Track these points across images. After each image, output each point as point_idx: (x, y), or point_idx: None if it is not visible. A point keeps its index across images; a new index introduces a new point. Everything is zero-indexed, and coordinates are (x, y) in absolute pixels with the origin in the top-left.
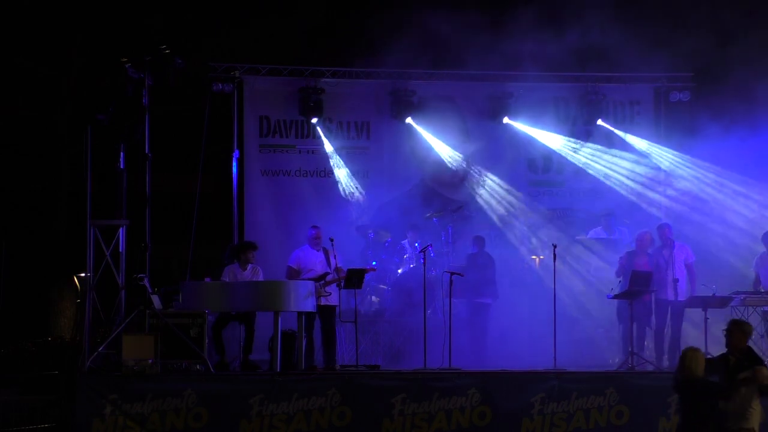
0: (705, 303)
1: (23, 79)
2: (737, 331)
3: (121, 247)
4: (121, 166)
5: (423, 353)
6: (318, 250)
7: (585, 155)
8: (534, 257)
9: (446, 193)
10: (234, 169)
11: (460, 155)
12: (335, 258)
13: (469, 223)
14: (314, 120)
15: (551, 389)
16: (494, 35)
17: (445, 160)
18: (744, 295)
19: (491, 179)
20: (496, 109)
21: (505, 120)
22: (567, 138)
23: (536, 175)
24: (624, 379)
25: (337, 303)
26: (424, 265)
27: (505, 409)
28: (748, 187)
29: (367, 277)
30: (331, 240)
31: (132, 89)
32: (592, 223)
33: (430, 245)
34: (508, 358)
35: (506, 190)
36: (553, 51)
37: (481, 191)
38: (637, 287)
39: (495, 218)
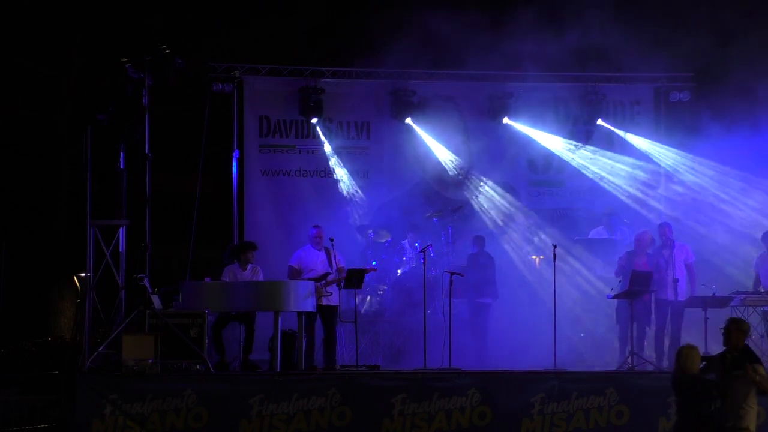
0: (705, 303)
1: (23, 79)
2: (735, 329)
3: (121, 247)
4: (121, 166)
5: (423, 353)
6: (320, 250)
7: (585, 155)
8: (534, 257)
9: (446, 193)
10: (234, 169)
11: (461, 155)
12: (336, 258)
13: (469, 223)
14: (314, 120)
15: (551, 389)
16: (494, 35)
17: (445, 161)
18: (744, 295)
19: (491, 179)
20: (496, 109)
21: (505, 120)
22: (566, 140)
23: (536, 174)
24: (624, 379)
25: (338, 303)
26: (424, 265)
27: (505, 409)
28: (748, 187)
29: (367, 277)
30: (331, 240)
31: (132, 89)
32: (592, 223)
33: (430, 245)
34: (508, 358)
35: (506, 190)
36: (553, 51)
37: (481, 191)
38: (637, 287)
39: (495, 218)
